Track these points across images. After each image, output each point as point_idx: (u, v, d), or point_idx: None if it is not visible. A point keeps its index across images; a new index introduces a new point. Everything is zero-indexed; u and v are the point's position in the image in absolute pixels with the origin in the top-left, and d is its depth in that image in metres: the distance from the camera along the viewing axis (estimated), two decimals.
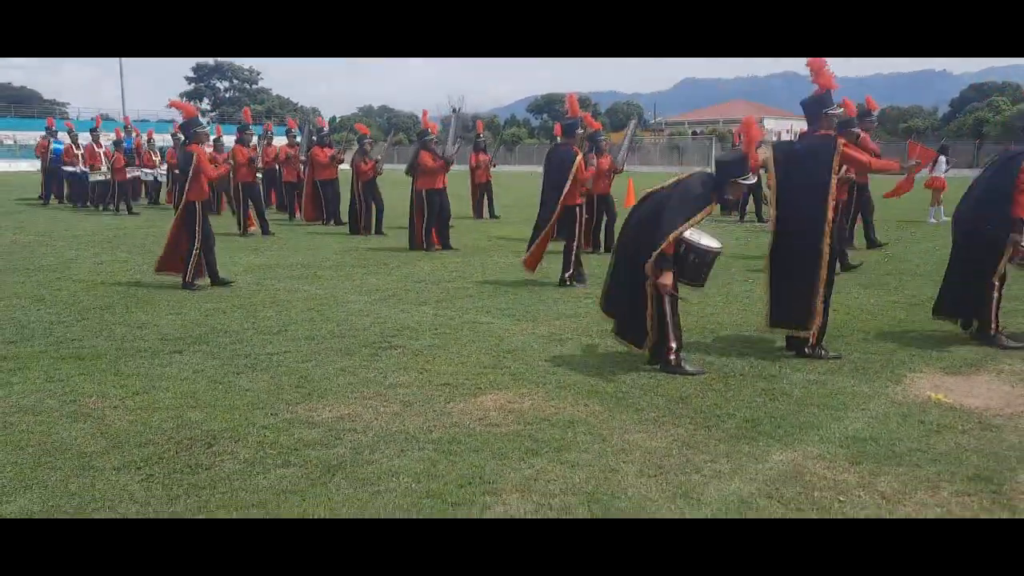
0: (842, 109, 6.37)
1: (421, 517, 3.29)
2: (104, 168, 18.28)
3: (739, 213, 16.08)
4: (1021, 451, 3.96)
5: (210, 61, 79.63)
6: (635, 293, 5.43)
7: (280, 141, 18.88)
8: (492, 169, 17.30)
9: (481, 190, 17.22)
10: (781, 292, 5.71)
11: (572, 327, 6.72)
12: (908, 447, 4.02)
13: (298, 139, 17.40)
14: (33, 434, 4.20)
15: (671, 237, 5.17)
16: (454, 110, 18.11)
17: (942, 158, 15.12)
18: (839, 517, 3.31)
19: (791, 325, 5.68)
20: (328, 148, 15.34)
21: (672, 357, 5.32)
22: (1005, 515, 3.31)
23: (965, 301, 6.14)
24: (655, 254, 5.19)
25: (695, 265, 5.42)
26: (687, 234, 5.32)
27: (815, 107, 5.77)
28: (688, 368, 5.30)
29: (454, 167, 12.21)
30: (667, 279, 5.23)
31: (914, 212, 16.07)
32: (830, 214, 5.47)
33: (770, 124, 55.46)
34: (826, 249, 5.49)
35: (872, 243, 11.39)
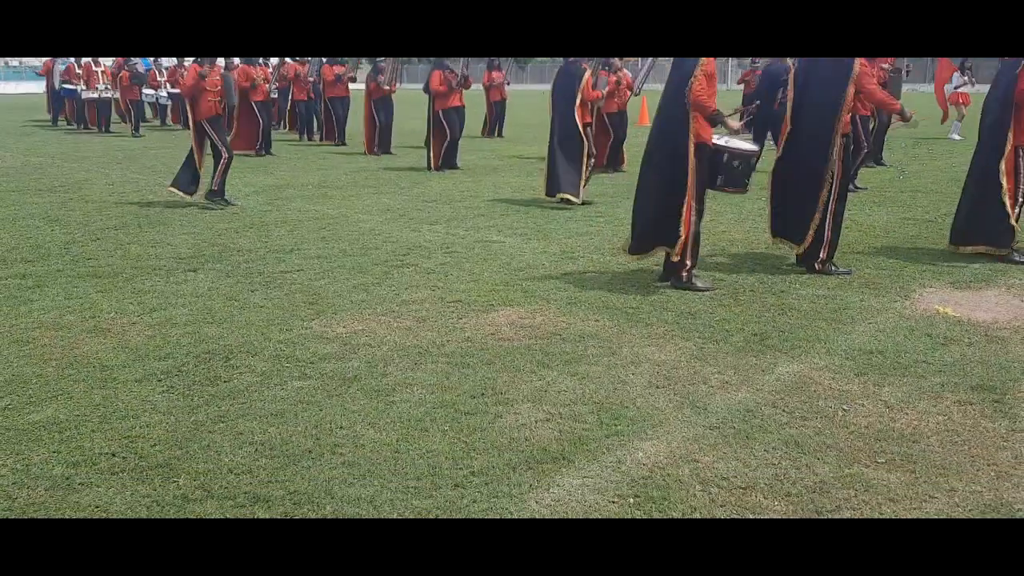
0: None
1: (435, 427, 3.38)
2: (101, 86, 18.01)
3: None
4: None
5: None
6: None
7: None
8: (506, 87, 17.04)
9: (495, 108, 16.99)
10: (784, 206, 5.76)
11: (584, 245, 6.74)
12: (913, 359, 4.07)
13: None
14: (55, 348, 4.31)
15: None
16: None
17: (956, 73, 14.76)
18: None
19: (788, 238, 5.74)
20: (338, 66, 15.09)
21: (685, 273, 5.36)
22: (1005, 423, 3.37)
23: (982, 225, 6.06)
24: None
25: (738, 170, 5.46)
26: (724, 141, 5.34)
27: None
28: (699, 284, 5.35)
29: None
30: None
31: (932, 128, 15.79)
32: (838, 137, 5.42)
33: None
34: (828, 171, 5.46)
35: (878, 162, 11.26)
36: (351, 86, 15.50)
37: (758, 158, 5.67)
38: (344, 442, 3.23)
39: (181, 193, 8.56)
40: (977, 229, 6.06)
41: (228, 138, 8.98)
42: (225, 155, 8.60)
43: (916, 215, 7.84)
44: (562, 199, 8.50)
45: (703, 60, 5.12)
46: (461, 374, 3.94)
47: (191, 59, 8.74)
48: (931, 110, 15.25)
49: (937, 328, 4.52)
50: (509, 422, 3.42)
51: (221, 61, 10.06)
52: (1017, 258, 5.89)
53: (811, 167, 5.54)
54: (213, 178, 8.64)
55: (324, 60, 15.51)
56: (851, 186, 9.20)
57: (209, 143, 8.59)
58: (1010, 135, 5.83)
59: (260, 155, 13.64)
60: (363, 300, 5.20)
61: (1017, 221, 5.98)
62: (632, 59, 12.74)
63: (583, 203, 8.55)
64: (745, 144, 5.65)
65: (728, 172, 5.44)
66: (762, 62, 17.82)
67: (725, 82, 45.15)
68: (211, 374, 3.96)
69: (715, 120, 5.19)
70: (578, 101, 8.42)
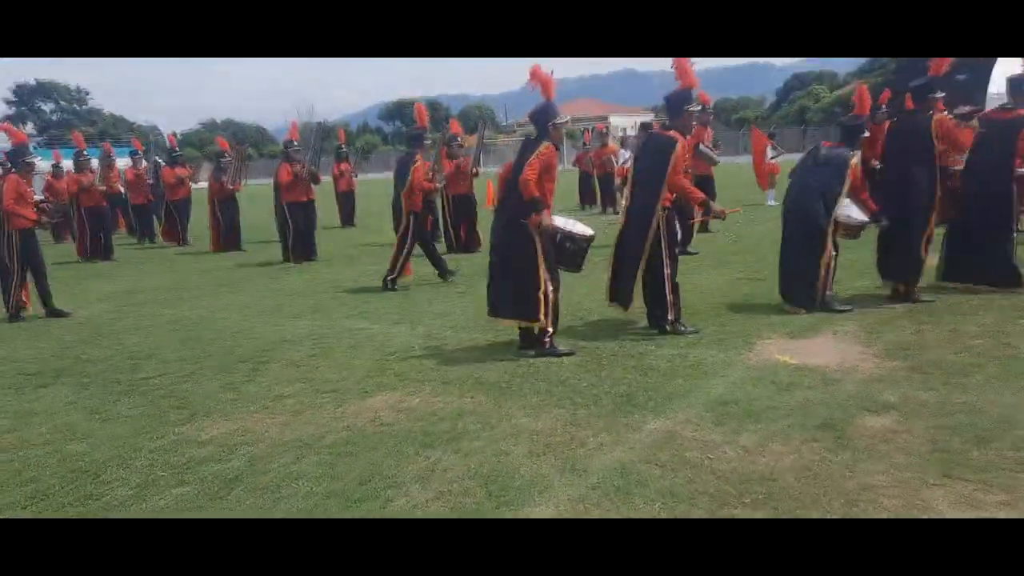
0: (700, 105, 6.84)
1: (328, 518, 3.39)
2: None
3: (602, 205, 16.84)
4: (858, 399, 4.49)
5: (31, 81, 74.15)
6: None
7: (123, 162, 18.01)
8: (355, 179, 17.27)
9: (344, 199, 17.12)
10: (617, 273, 6.33)
11: (448, 325, 6.92)
12: (763, 405, 4.47)
13: (144, 161, 16.69)
14: None
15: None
16: (318, 124, 17.89)
17: (768, 145, 16.42)
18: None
19: (619, 303, 6.32)
20: (181, 168, 14.81)
21: (547, 340, 5.66)
22: (848, 455, 3.77)
23: (803, 283, 6.70)
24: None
25: (572, 252, 5.85)
26: (562, 223, 5.72)
27: (677, 104, 6.21)
28: (560, 349, 5.67)
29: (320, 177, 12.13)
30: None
31: (753, 195, 17.23)
32: (659, 205, 6.00)
33: (615, 120, 57.42)
34: (650, 240, 6.02)
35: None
36: (194, 186, 15.25)
37: (590, 242, 6.09)
38: None
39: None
40: (797, 288, 6.70)
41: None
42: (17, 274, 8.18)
43: (748, 275, 8.56)
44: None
45: (542, 147, 5.52)
46: (346, 463, 3.96)
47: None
48: (750, 176, 16.72)
49: (779, 376, 4.98)
50: (401, 505, 3.48)
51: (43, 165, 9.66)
52: (837, 306, 6.56)
53: (638, 237, 6.10)
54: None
55: (163, 162, 15.23)
56: (687, 250, 9.96)
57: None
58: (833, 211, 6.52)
59: (92, 261, 13.13)
60: (234, 399, 5.11)
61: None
62: (470, 143, 13.24)
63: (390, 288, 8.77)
64: (580, 228, 6.12)
65: (562, 252, 5.86)
66: (592, 144, 19.05)
67: (562, 162, 47.35)
68: (81, 493, 3.79)
69: (536, 206, 5.50)
70: (405, 189, 8.75)
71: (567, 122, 5.77)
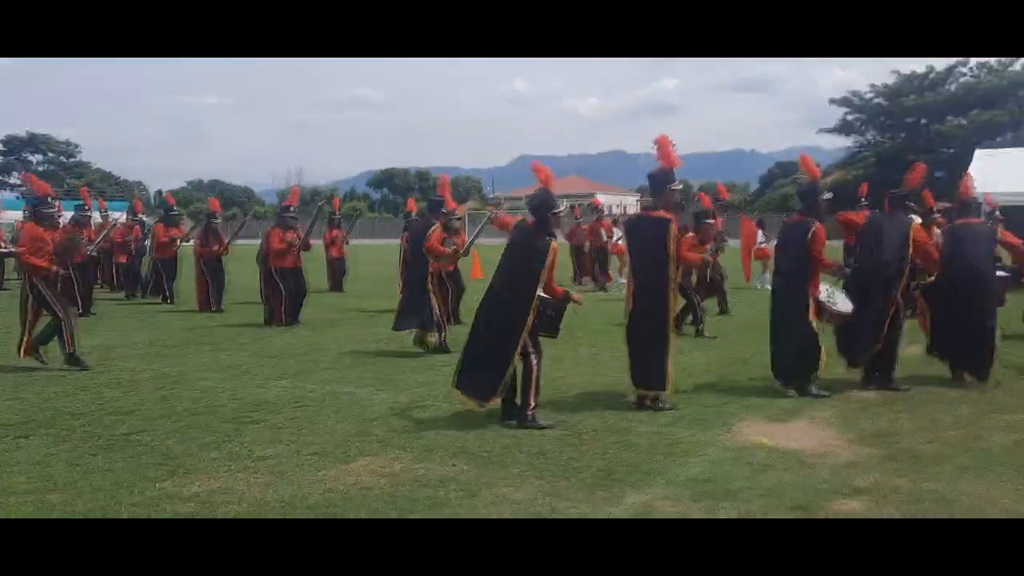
0: (682, 185, 7.07)
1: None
2: None
3: (593, 277, 17.09)
4: (831, 483, 4.58)
5: (22, 133, 74.57)
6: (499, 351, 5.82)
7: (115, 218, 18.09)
8: (346, 246, 17.45)
9: (336, 265, 17.24)
10: (634, 353, 6.33)
11: (432, 393, 6.97)
12: (740, 485, 4.55)
13: (137, 219, 16.84)
14: None
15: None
16: (322, 196, 18.36)
17: (759, 231, 16.86)
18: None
19: (650, 387, 6.31)
20: (173, 227, 14.88)
21: (529, 413, 5.75)
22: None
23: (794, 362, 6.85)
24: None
25: (551, 318, 6.00)
26: (541, 292, 5.88)
27: (659, 183, 6.44)
28: (541, 422, 5.77)
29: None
30: None
31: (737, 279, 17.51)
32: (670, 286, 6.18)
33: (602, 198, 58.41)
34: (669, 315, 6.17)
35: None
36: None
37: (564, 308, 6.21)
38: None
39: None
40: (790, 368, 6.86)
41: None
42: (61, 316, 8.21)
43: (732, 355, 8.71)
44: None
45: (552, 249, 5.84)
46: None
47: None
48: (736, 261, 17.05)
49: (756, 457, 5.08)
50: None
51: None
52: (814, 391, 6.70)
53: (653, 318, 6.22)
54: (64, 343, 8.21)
55: (140, 218, 15.31)
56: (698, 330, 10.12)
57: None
58: (809, 287, 6.72)
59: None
60: (216, 458, 5.13)
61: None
62: (461, 211, 13.54)
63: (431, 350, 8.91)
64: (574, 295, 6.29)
65: (542, 319, 5.98)
66: (584, 218, 19.38)
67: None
68: None
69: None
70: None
71: (564, 210, 6.11)
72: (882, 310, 6.86)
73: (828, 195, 7.07)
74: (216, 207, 14.56)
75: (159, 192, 74.44)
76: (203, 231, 13.78)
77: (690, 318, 10.21)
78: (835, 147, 59.25)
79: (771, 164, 72.49)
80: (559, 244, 6.14)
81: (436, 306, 8.97)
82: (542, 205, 5.97)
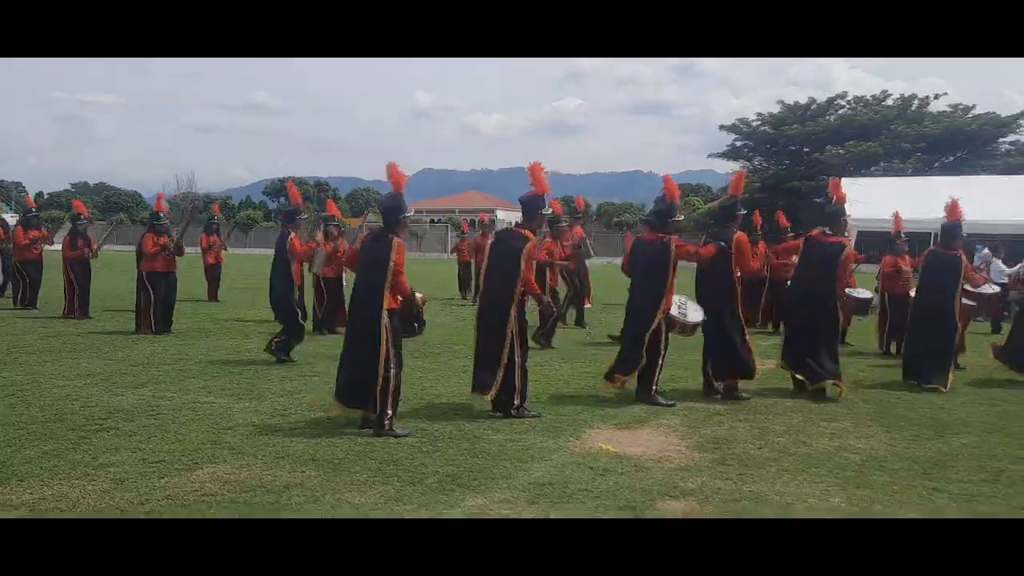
0: (551, 211, 7.28)
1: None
2: None
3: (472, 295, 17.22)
4: (662, 485, 4.85)
5: None
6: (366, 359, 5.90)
7: None
8: (224, 252, 17.04)
9: (212, 271, 16.82)
10: (481, 360, 6.56)
11: (296, 403, 6.95)
12: (578, 488, 4.77)
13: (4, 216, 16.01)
14: None
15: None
16: (195, 197, 17.94)
17: None
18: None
19: (482, 390, 6.55)
20: (35, 230, 14.23)
21: (386, 422, 5.83)
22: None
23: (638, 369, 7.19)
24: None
25: (406, 319, 6.23)
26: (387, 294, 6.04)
27: (532, 208, 6.68)
28: (398, 431, 5.84)
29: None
30: None
31: (616, 295, 18.05)
32: (513, 300, 6.41)
33: (501, 214, 59.04)
34: (509, 330, 6.40)
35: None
36: (47, 248, 14.65)
37: (414, 308, 6.35)
38: None
39: None
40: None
41: None
42: None
43: (593, 368, 9.01)
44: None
45: (396, 247, 5.92)
46: None
47: None
48: (615, 277, 17.53)
49: (599, 462, 5.32)
50: None
51: None
52: (662, 401, 7.05)
53: (496, 327, 6.43)
54: None
55: (17, 222, 14.63)
56: (543, 342, 10.38)
57: None
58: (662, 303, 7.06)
59: None
60: (55, 466, 4.99)
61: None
62: (353, 224, 13.56)
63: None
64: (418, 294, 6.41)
65: (405, 321, 6.19)
66: (470, 233, 19.61)
67: (444, 251, 48.17)
68: None
69: (410, 299, 6.18)
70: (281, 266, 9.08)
71: (411, 215, 6.24)
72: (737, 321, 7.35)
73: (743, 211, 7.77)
74: (82, 209, 13.96)
75: (40, 194, 70.67)
76: (69, 234, 13.23)
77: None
78: (727, 171, 61.72)
79: None
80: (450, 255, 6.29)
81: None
82: (395, 209, 6.11)
